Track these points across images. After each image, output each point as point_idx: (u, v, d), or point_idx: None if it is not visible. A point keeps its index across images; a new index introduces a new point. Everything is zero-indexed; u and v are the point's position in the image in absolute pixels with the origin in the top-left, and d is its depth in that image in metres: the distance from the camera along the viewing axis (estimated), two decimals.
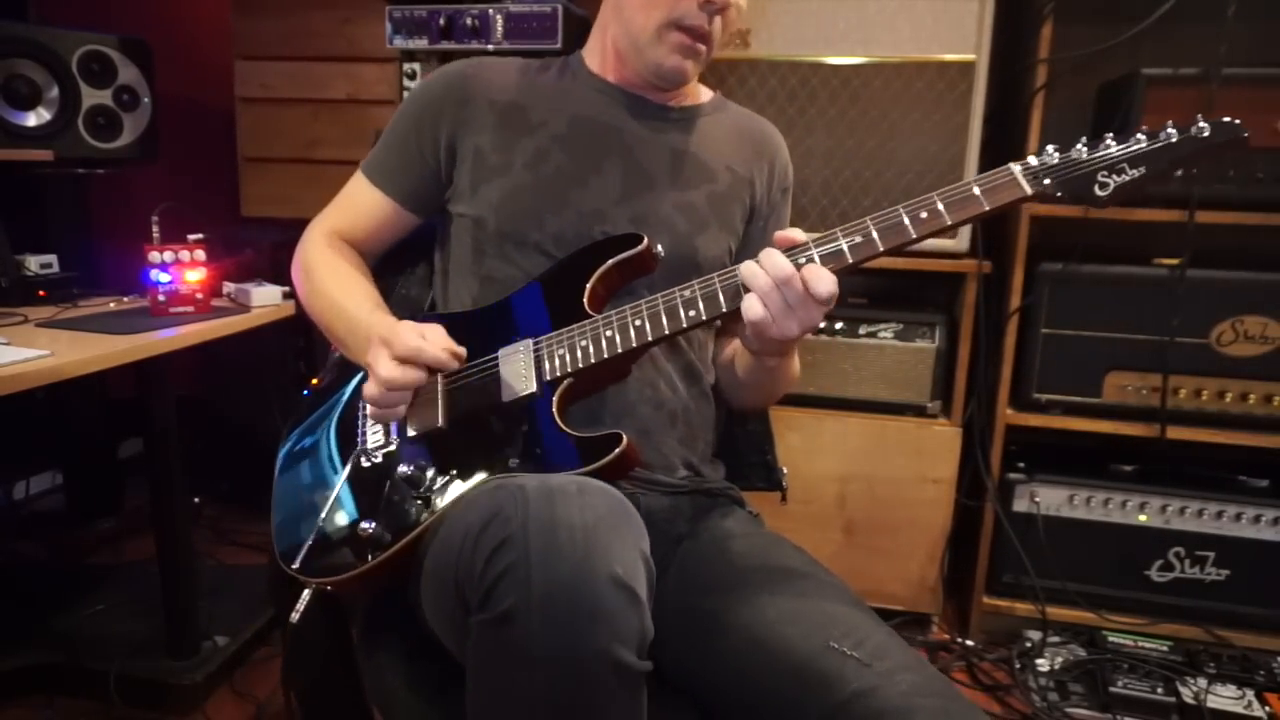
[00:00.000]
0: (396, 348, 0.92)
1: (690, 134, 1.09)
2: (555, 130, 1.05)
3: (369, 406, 0.98)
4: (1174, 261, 1.80)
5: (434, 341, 0.94)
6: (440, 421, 0.94)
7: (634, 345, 0.91)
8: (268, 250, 2.06)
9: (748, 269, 0.85)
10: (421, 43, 1.93)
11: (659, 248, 0.98)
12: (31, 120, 1.87)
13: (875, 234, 0.84)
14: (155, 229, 1.71)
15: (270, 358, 2.26)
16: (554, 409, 0.92)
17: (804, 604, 0.89)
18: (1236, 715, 1.67)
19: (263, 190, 2.45)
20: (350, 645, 1.04)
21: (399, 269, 1.19)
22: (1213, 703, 1.68)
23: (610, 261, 0.97)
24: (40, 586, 2.07)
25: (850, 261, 0.85)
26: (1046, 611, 1.93)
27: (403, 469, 0.94)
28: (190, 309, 1.70)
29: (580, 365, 0.92)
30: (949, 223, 0.84)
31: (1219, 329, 1.81)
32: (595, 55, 1.11)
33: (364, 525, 0.92)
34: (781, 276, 0.83)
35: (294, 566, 0.96)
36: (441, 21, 1.90)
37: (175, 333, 1.57)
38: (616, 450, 0.87)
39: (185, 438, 1.74)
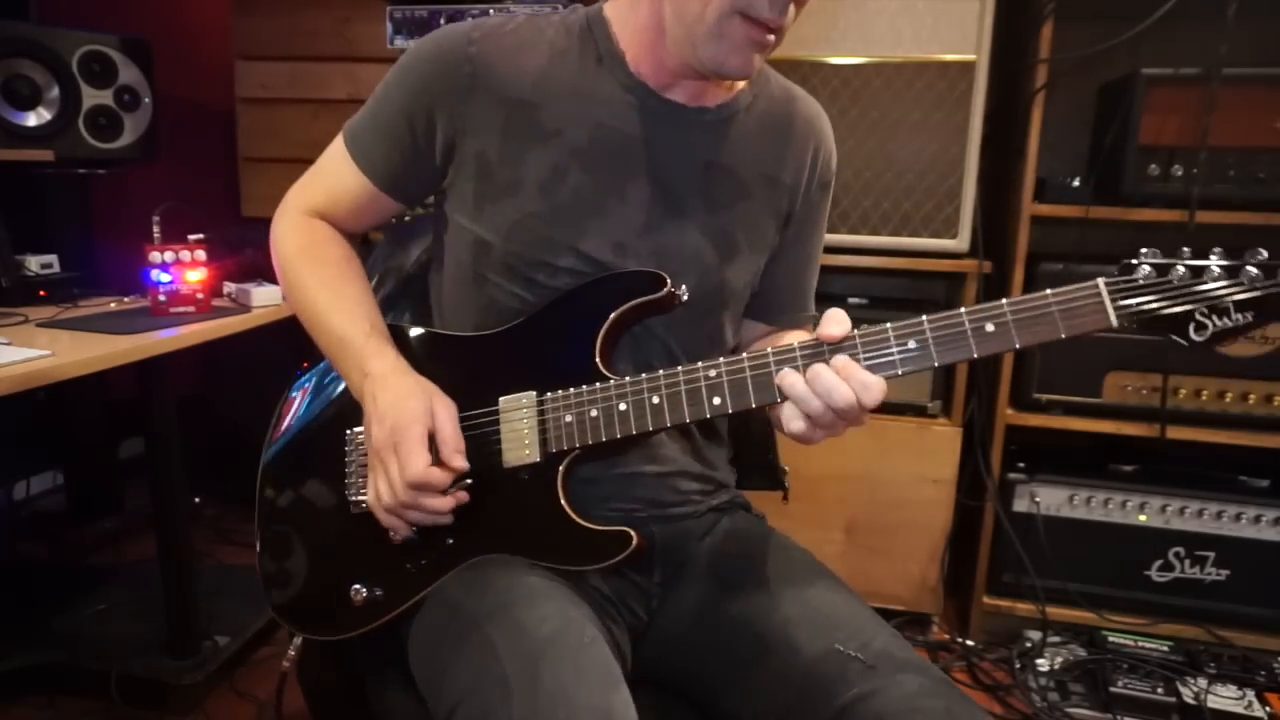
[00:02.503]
0: (406, 471, 0.83)
1: (726, 140, 0.95)
2: (574, 142, 0.91)
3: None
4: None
5: (448, 441, 0.85)
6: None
7: (649, 428, 0.84)
8: (268, 250, 2.05)
9: (795, 389, 0.77)
10: None
11: (682, 290, 0.89)
12: (32, 120, 1.88)
13: (933, 347, 0.76)
14: (156, 229, 1.71)
15: (271, 358, 2.26)
16: (559, 484, 0.87)
17: (809, 606, 0.89)
18: (1237, 715, 1.67)
19: (263, 190, 2.45)
20: (353, 657, 1.03)
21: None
22: (1213, 703, 1.68)
23: (628, 305, 0.88)
24: (41, 586, 2.07)
25: (900, 374, 0.77)
26: (1047, 611, 1.93)
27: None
28: (191, 309, 1.70)
29: (589, 440, 0.85)
30: (1017, 346, 0.75)
31: None
32: (628, 26, 0.92)
33: (356, 587, 0.90)
34: (841, 406, 0.75)
35: (283, 614, 0.95)
36: (442, 22, 1.91)
37: (176, 333, 1.57)
38: (625, 554, 0.84)
39: (186, 438, 1.74)
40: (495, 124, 0.91)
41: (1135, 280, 0.71)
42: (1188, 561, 1.88)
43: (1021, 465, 1.96)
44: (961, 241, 1.87)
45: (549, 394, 0.87)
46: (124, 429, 2.61)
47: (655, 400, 0.83)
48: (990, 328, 0.75)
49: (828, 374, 0.76)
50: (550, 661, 0.73)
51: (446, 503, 0.85)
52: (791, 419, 0.78)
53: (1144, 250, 0.72)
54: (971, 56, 1.80)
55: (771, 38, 0.84)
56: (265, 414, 1.06)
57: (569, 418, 0.86)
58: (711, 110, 0.95)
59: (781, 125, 0.99)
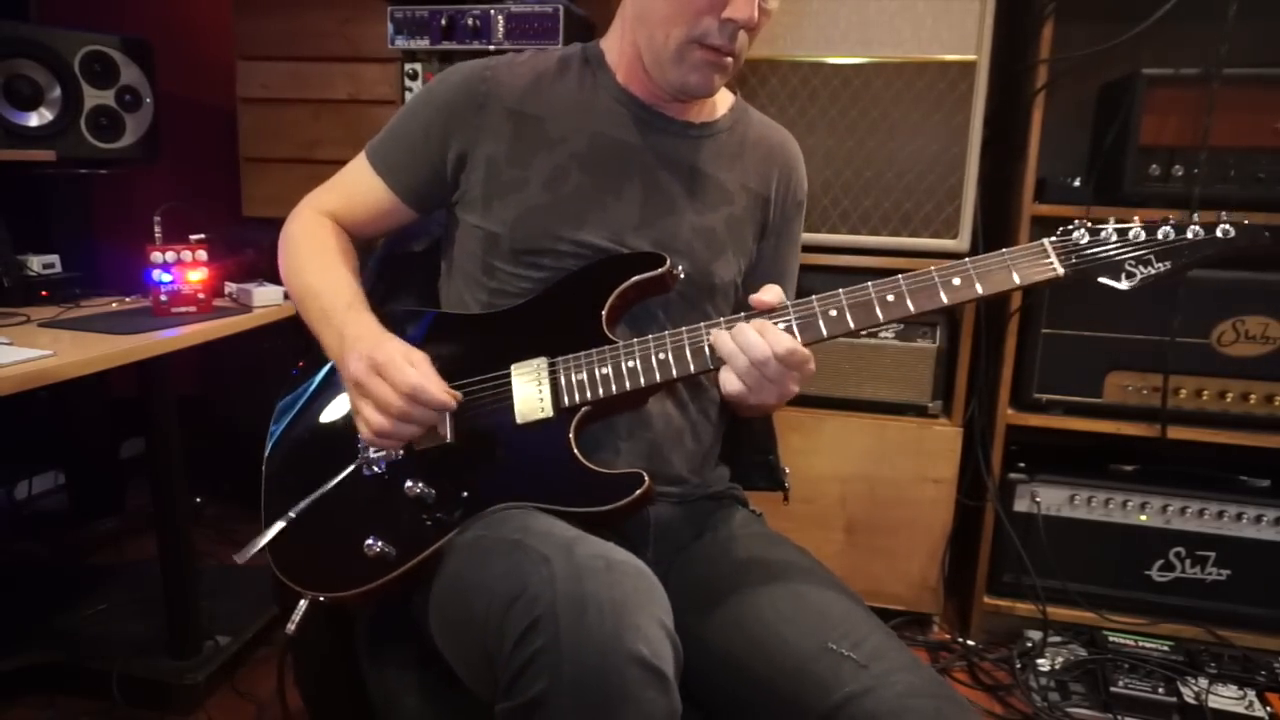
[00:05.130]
0: (400, 383, 0.87)
1: (710, 153, 1.06)
2: (575, 148, 1.01)
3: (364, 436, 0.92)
4: None
5: (428, 376, 0.89)
6: (449, 437, 0.92)
7: (657, 380, 0.90)
8: (269, 250, 2.04)
9: (725, 346, 0.86)
10: (423, 43, 1.94)
11: (680, 269, 0.97)
12: (34, 120, 1.88)
13: (908, 298, 0.86)
14: (157, 229, 1.71)
15: (272, 358, 2.26)
16: (570, 437, 0.90)
17: (803, 604, 0.89)
18: (1237, 715, 1.67)
19: (264, 190, 2.45)
20: (353, 648, 1.03)
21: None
22: (1214, 703, 1.68)
23: (630, 280, 0.95)
24: (42, 586, 2.07)
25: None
26: (1047, 611, 1.93)
27: (409, 485, 0.92)
28: (192, 309, 1.71)
29: (600, 395, 0.91)
30: (980, 292, 0.85)
31: (1220, 329, 1.80)
32: (615, 53, 1.05)
33: (370, 543, 0.90)
34: (758, 358, 0.84)
35: (290, 574, 0.95)
36: (443, 22, 1.91)
37: (177, 333, 1.57)
38: (637, 492, 0.86)
39: (187, 437, 1.74)
40: (505, 133, 1.02)
41: (1073, 239, 0.87)
42: (1188, 561, 1.88)
43: (1022, 465, 1.96)
44: (962, 242, 1.88)
45: (559, 358, 0.93)
46: (125, 429, 2.61)
47: (662, 356, 0.90)
48: (957, 280, 0.86)
49: (750, 331, 0.85)
50: (583, 543, 0.77)
51: (445, 399, 0.88)
52: (727, 381, 0.86)
53: (1075, 220, 0.88)
54: (972, 57, 1.80)
55: (729, 60, 0.96)
56: (266, 414, 1.07)
57: (580, 375, 0.92)
58: (696, 126, 1.06)
59: (759, 148, 1.10)
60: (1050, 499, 1.93)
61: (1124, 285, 0.85)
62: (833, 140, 1.88)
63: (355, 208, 1.09)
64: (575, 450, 0.90)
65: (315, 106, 2.39)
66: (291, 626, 0.93)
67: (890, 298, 0.86)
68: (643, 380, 0.90)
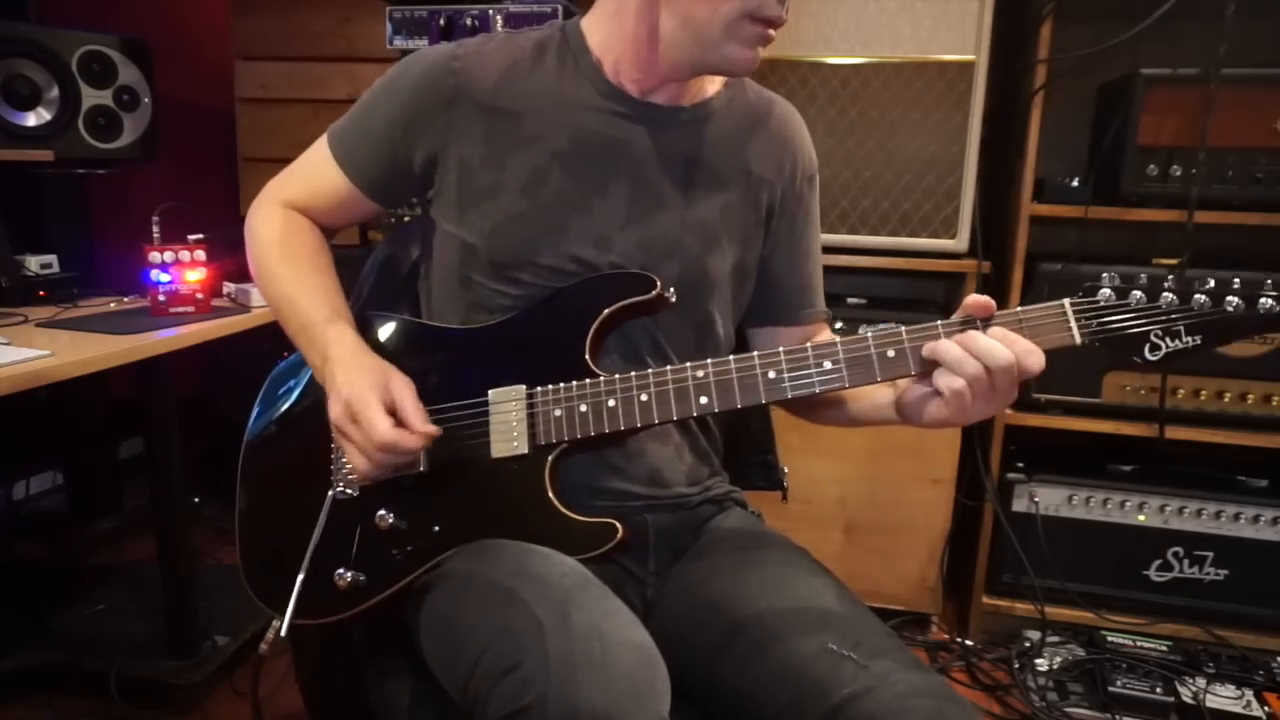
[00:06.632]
0: (373, 438, 0.84)
1: (702, 136, 0.99)
2: (555, 146, 0.94)
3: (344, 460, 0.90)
4: (1174, 261, 1.80)
5: (411, 414, 0.86)
6: (421, 466, 0.90)
7: (637, 425, 0.86)
8: None
9: (950, 353, 0.81)
10: (422, 43, 1.93)
11: (671, 292, 0.91)
12: (32, 120, 1.88)
13: (910, 355, 0.83)
14: (155, 229, 1.71)
15: (270, 357, 2.26)
16: (546, 476, 0.88)
17: (803, 605, 0.89)
18: (1235, 715, 1.67)
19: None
20: (351, 653, 1.03)
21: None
22: (1212, 702, 1.69)
23: (618, 305, 0.90)
24: (41, 586, 2.07)
25: (880, 379, 0.83)
26: (1046, 611, 1.93)
27: (381, 515, 0.90)
28: (190, 309, 1.71)
29: (577, 434, 0.87)
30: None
31: None
32: (607, 39, 0.96)
33: (340, 572, 0.90)
34: (1000, 365, 0.80)
35: (263, 598, 0.95)
36: (441, 22, 1.91)
37: (175, 333, 1.57)
38: (608, 545, 0.85)
39: (185, 438, 1.74)
40: (478, 132, 0.95)
41: (1097, 302, 0.78)
42: (1186, 561, 1.89)
43: (1020, 465, 1.96)
44: (961, 241, 1.88)
45: (538, 388, 0.89)
46: (124, 429, 2.61)
47: (644, 398, 0.86)
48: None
49: (984, 338, 0.80)
50: (578, 605, 0.75)
51: (418, 445, 0.86)
52: (937, 402, 0.81)
53: (1104, 274, 0.79)
54: (971, 57, 1.80)
55: (773, 33, 0.89)
56: None
57: (558, 412, 0.88)
58: (687, 109, 0.98)
59: (756, 123, 1.03)
60: (1049, 499, 1.93)
61: (1147, 358, 0.78)
62: (832, 140, 1.88)
63: (317, 199, 1.04)
64: (550, 492, 0.87)
65: (314, 106, 2.39)
66: (264, 647, 0.93)
67: (891, 353, 0.83)
68: (622, 423, 0.86)
